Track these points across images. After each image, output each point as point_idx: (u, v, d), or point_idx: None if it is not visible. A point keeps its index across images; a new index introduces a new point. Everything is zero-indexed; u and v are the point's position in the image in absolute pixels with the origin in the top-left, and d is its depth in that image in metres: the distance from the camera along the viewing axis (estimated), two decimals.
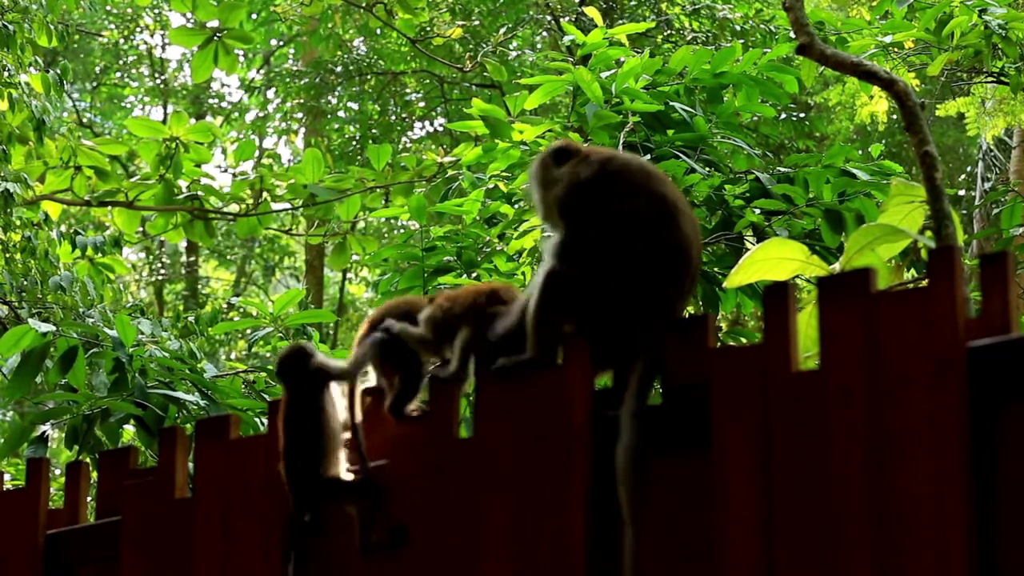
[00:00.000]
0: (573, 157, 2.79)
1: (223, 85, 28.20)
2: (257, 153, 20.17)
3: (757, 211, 6.05)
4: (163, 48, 21.52)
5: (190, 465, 3.18)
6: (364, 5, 11.92)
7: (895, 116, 12.35)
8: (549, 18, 16.00)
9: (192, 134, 8.41)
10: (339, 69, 17.21)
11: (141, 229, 10.13)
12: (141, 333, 6.14)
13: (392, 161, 8.37)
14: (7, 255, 8.52)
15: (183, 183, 8.60)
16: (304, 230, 11.06)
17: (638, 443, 2.46)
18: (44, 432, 5.30)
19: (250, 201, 8.91)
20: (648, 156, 6.18)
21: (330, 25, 15.73)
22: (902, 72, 9.91)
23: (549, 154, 2.84)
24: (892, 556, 2.18)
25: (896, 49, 9.50)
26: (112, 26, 19.69)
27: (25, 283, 8.40)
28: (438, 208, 7.04)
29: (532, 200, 2.90)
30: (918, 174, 4.04)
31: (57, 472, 10.92)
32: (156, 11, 18.41)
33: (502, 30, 15.74)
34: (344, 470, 2.84)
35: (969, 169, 16.91)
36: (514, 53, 16.17)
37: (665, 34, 13.27)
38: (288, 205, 9.03)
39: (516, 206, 6.52)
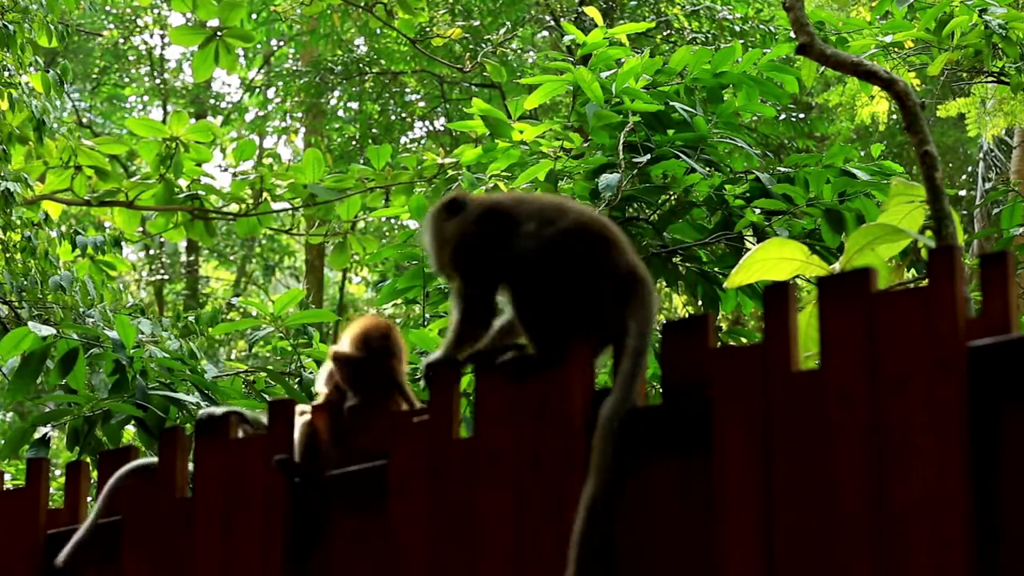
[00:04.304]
0: (462, 209, 2.94)
1: (224, 84, 28.21)
2: (257, 153, 20.18)
3: (757, 211, 6.05)
4: (163, 48, 21.52)
5: (190, 465, 3.18)
6: (364, 5, 11.92)
7: (895, 117, 12.35)
8: (549, 18, 16.00)
9: (192, 134, 8.41)
10: (339, 69, 17.20)
11: (141, 228, 10.13)
12: (141, 333, 6.14)
13: (392, 161, 8.37)
14: (7, 255, 8.52)
15: (183, 183, 8.60)
16: (304, 230, 11.06)
17: (626, 400, 2.52)
18: (46, 434, 5.30)
19: (250, 201, 8.91)
20: (648, 156, 6.19)
21: (329, 24, 15.73)
22: (902, 72, 9.91)
23: (442, 207, 2.98)
24: (892, 556, 2.18)
25: (896, 49, 9.50)
26: (112, 26, 19.69)
27: (25, 283, 8.40)
28: None
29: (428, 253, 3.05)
30: (918, 174, 4.04)
31: (57, 472, 10.93)
32: (156, 11, 18.42)
33: (502, 30, 15.74)
34: None
35: (970, 169, 16.91)
36: (514, 53, 16.16)
37: (665, 34, 13.27)
38: (288, 205, 9.03)
39: None
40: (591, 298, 2.72)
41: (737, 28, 12.37)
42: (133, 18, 19.59)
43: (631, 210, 6.42)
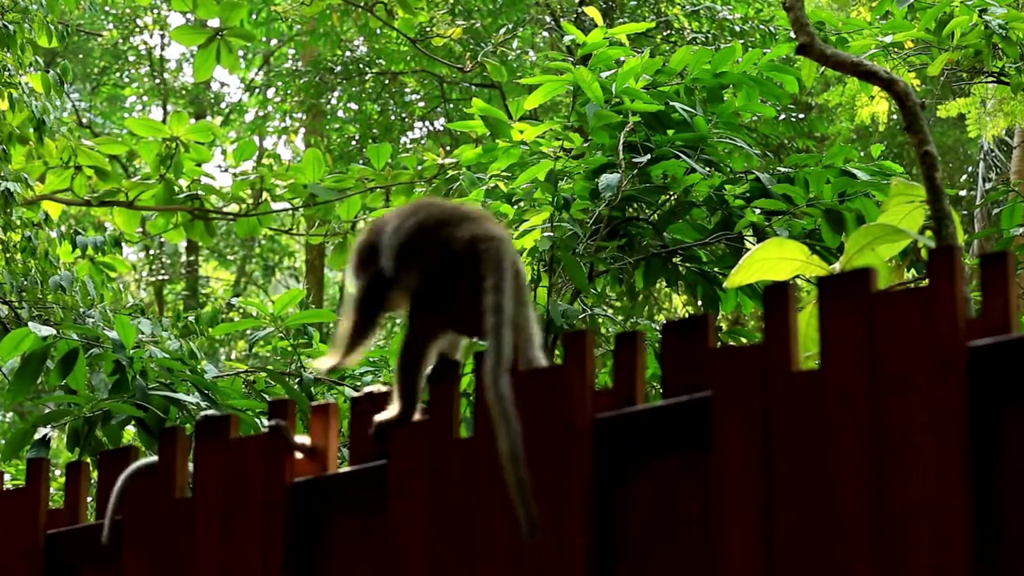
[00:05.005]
0: None
1: (223, 85, 28.20)
2: (257, 153, 20.19)
3: (757, 211, 6.05)
4: (163, 48, 21.52)
5: (190, 465, 3.18)
6: (364, 5, 11.92)
7: (895, 117, 12.35)
8: (549, 18, 16.00)
9: (192, 134, 8.41)
10: (339, 69, 17.20)
11: (141, 229, 10.12)
12: (141, 333, 6.14)
13: (392, 161, 8.37)
14: (7, 255, 8.52)
15: (183, 183, 8.61)
16: (304, 230, 11.06)
17: (500, 353, 2.59)
18: (46, 434, 5.30)
19: (250, 201, 8.91)
20: (648, 156, 6.19)
21: (329, 24, 15.74)
22: (902, 72, 9.91)
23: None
24: (892, 556, 2.18)
25: (896, 49, 9.50)
26: (112, 26, 19.69)
27: (25, 283, 8.40)
28: None
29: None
30: (918, 174, 4.04)
31: (57, 472, 10.93)
32: (156, 11, 18.42)
33: (502, 30, 15.73)
34: None
35: (970, 169, 16.90)
36: (514, 53, 16.16)
37: (665, 34, 13.27)
38: (288, 205, 9.03)
39: (516, 206, 6.53)
40: (445, 279, 2.84)
41: (737, 28, 12.37)
42: (133, 18, 19.59)
43: (631, 210, 6.42)
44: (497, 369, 2.57)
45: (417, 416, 2.86)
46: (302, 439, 3.04)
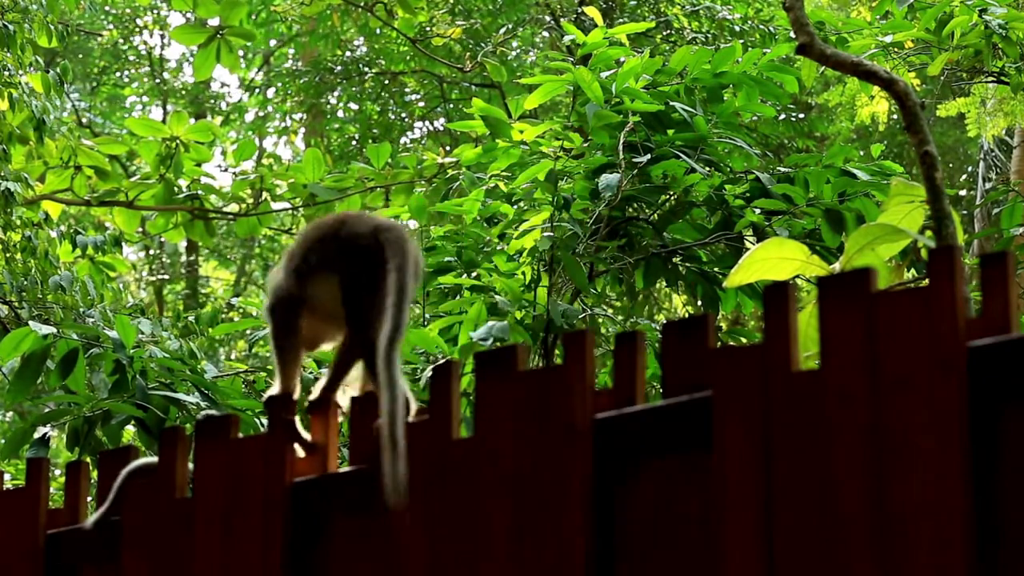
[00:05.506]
0: None
1: (223, 85, 28.20)
2: (257, 153, 20.18)
3: (757, 211, 6.05)
4: (163, 48, 21.52)
5: (190, 465, 3.18)
6: (364, 5, 11.93)
7: (895, 117, 12.35)
8: (549, 18, 16.00)
9: (192, 134, 8.41)
10: (339, 69, 17.19)
11: (141, 229, 10.12)
12: (141, 333, 6.14)
13: (392, 160, 8.37)
14: (7, 255, 8.52)
15: (183, 183, 8.61)
16: None
17: (397, 329, 2.79)
18: (46, 434, 5.30)
19: (250, 201, 8.91)
20: (648, 156, 6.19)
21: (329, 24, 15.74)
22: (902, 72, 9.91)
23: None
24: (892, 556, 2.18)
25: (896, 49, 9.51)
26: (112, 26, 19.68)
27: (25, 283, 8.39)
28: (438, 208, 7.06)
29: None
30: (918, 174, 4.04)
31: (57, 472, 10.92)
32: (156, 11, 18.42)
33: (502, 30, 15.73)
34: None
35: (970, 169, 16.90)
36: (514, 53, 16.16)
37: (665, 34, 13.27)
38: (288, 205, 9.03)
39: (516, 206, 6.53)
40: (361, 273, 2.97)
41: (737, 28, 12.37)
42: (133, 18, 19.58)
43: (631, 210, 6.43)
44: (392, 343, 2.77)
45: (415, 415, 2.87)
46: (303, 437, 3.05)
